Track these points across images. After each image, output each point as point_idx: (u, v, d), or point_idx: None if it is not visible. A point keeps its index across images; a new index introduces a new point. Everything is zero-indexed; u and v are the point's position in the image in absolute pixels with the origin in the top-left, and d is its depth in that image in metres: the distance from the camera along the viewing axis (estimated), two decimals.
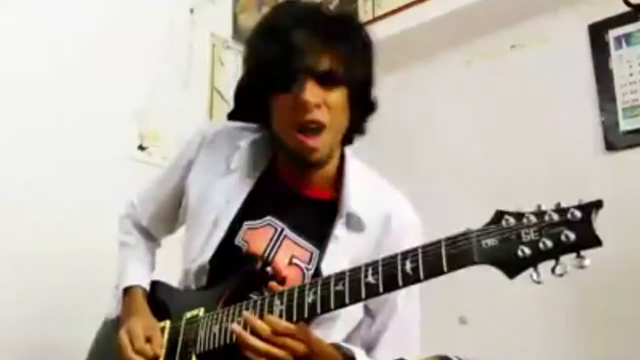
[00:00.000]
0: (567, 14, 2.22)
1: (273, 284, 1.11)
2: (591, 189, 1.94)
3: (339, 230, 1.22)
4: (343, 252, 1.20)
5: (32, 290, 1.95)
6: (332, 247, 1.21)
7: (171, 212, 1.43)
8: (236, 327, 1.06)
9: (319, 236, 1.22)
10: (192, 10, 2.67)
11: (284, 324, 1.03)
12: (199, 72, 2.62)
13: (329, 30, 1.17)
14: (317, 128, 1.16)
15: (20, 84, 2.05)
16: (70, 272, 2.03)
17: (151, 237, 1.50)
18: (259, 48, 1.21)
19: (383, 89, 2.95)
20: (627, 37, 2.09)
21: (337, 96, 1.16)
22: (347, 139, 1.28)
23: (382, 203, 1.26)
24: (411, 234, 1.23)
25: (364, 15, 2.70)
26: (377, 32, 2.55)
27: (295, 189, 1.27)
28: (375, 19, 2.64)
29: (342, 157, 1.29)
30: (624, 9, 2.05)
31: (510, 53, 2.36)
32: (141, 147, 2.39)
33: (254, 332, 1.04)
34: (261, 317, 1.05)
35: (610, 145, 2.06)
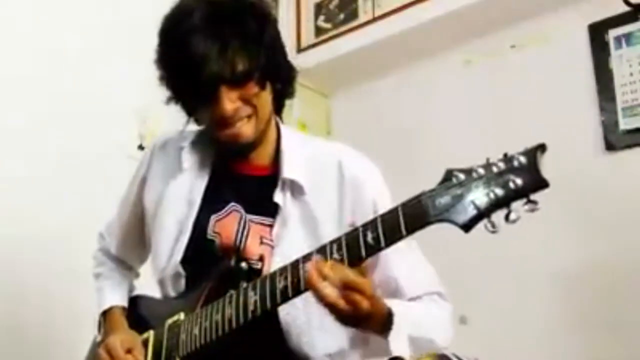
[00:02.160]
0: (567, 13, 2.22)
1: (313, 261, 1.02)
2: (591, 189, 1.96)
3: (279, 198, 1.22)
4: (292, 219, 1.21)
5: (30, 289, 1.96)
6: (278, 216, 1.22)
7: (137, 233, 1.42)
8: (311, 269, 0.98)
9: (273, 210, 1.23)
10: None
11: (351, 277, 0.97)
12: None
13: (220, 30, 1.13)
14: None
15: (21, 84, 2.05)
16: (70, 272, 2.03)
17: (125, 265, 1.50)
18: (162, 57, 1.22)
19: (383, 88, 2.96)
20: (627, 37, 2.09)
21: (250, 88, 1.16)
22: (277, 108, 1.29)
23: (328, 158, 1.27)
24: (365, 174, 1.25)
25: (364, 15, 2.70)
26: (377, 32, 2.58)
27: (240, 172, 1.28)
28: (375, 19, 2.64)
29: (278, 132, 1.30)
30: (624, 9, 2.05)
31: (510, 53, 2.36)
32: (141, 147, 2.38)
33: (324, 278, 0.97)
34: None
35: (610, 145, 2.06)
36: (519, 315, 2.09)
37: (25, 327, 1.93)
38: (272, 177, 1.26)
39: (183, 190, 1.29)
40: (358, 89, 2.79)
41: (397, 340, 1.06)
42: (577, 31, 2.19)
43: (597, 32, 2.15)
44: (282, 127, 1.31)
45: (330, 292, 0.95)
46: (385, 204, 1.09)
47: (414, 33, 2.48)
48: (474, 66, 2.46)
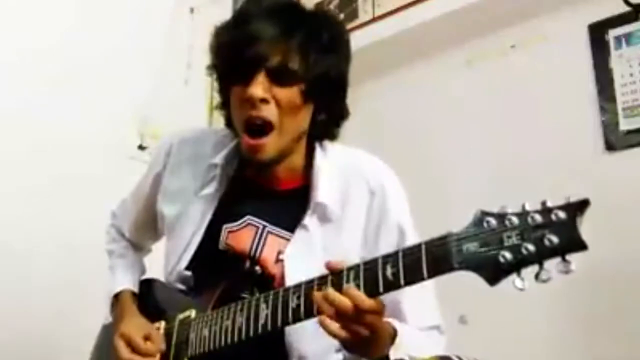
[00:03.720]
0: (567, 13, 2.22)
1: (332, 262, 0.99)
2: (591, 189, 1.95)
3: (309, 221, 1.19)
4: (312, 241, 1.18)
5: (30, 289, 1.95)
6: (298, 236, 1.19)
7: (148, 222, 1.41)
8: (318, 298, 0.95)
9: (294, 226, 1.20)
10: (192, 10, 2.67)
11: (368, 302, 0.92)
12: (199, 72, 2.62)
13: (292, 21, 1.11)
14: (263, 125, 1.12)
15: (20, 83, 2.05)
16: (70, 272, 2.03)
17: (136, 246, 1.50)
18: (220, 35, 1.18)
19: (383, 88, 2.96)
20: (627, 37, 2.09)
21: (290, 93, 1.11)
22: (314, 137, 1.24)
23: (359, 176, 1.23)
24: (394, 209, 1.22)
25: (364, 15, 2.70)
26: (377, 32, 2.58)
27: (265, 185, 1.24)
28: (375, 19, 2.64)
29: (310, 148, 1.24)
30: (624, 9, 2.05)
31: (510, 53, 2.36)
32: (141, 147, 2.39)
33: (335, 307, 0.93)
34: (340, 290, 0.94)
35: (610, 145, 2.05)
36: (519, 315, 2.09)
37: (29, 330, 1.93)
38: (298, 192, 1.23)
39: (202, 205, 1.26)
40: (358, 89, 2.78)
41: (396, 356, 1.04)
42: (577, 31, 2.19)
43: (597, 32, 2.15)
44: (317, 146, 1.25)
45: (332, 325, 0.93)
46: (409, 227, 1.16)
47: (414, 33, 2.48)
48: (474, 66, 2.46)
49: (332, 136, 1.25)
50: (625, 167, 2.01)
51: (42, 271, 1.99)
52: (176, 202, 1.30)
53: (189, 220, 1.27)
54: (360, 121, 2.71)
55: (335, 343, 1.17)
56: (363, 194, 1.22)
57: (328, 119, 1.21)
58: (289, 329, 1.14)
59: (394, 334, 1.05)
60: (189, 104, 2.52)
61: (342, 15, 2.78)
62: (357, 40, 2.65)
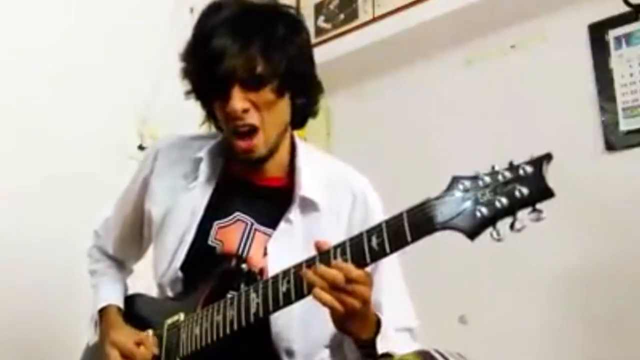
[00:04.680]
0: (567, 13, 2.22)
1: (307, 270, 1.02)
2: (591, 189, 1.96)
3: (293, 214, 1.23)
4: (295, 233, 1.22)
5: (30, 288, 1.95)
6: (281, 229, 1.22)
7: (135, 233, 1.42)
8: (309, 273, 0.99)
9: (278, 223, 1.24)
10: (192, 10, 2.66)
11: (355, 271, 0.98)
12: None
13: (249, 28, 1.15)
14: (250, 131, 1.17)
15: (20, 83, 2.05)
16: (69, 272, 2.03)
17: (120, 265, 1.50)
18: (186, 57, 1.25)
19: (383, 88, 2.96)
20: (627, 37, 2.09)
21: (265, 94, 1.16)
22: (296, 124, 1.30)
23: (341, 178, 1.29)
24: (377, 210, 1.28)
25: (364, 15, 2.70)
26: (377, 32, 2.58)
27: (252, 181, 1.28)
28: (375, 19, 2.64)
29: (293, 144, 1.30)
30: (624, 9, 2.05)
31: (510, 53, 2.36)
32: (141, 147, 2.39)
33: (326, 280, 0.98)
34: (328, 265, 0.99)
35: (610, 145, 2.06)
36: (519, 315, 2.09)
37: (25, 330, 1.93)
38: (284, 189, 1.26)
39: (191, 201, 1.28)
40: (358, 89, 2.79)
41: (381, 343, 1.08)
42: (577, 31, 2.19)
43: (597, 32, 2.15)
44: (297, 141, 1.31)
45: (327, 296, 0.97)
46: None
47: (414, 33, 2.48)
48: (474, 66, 2.45)
49: (314, 114, 1.30)
50: (625, 167, 2.01)
51: (42, 271, 1.99)
52: (164, 201, 1.31)
53: (178, 217, 1.28)
54: (360, 121, 2.73)
55: (324, 338, 1.20)
56: (346, 198, 1.27)
57: (306, 99, 1.27)
58: (275, 322, 1.16)
59: (378, 322, 1.09)
60: (189, 104, 2.51)
61: (342, 16, 2.78)
62: (357, 40, 2.68)
